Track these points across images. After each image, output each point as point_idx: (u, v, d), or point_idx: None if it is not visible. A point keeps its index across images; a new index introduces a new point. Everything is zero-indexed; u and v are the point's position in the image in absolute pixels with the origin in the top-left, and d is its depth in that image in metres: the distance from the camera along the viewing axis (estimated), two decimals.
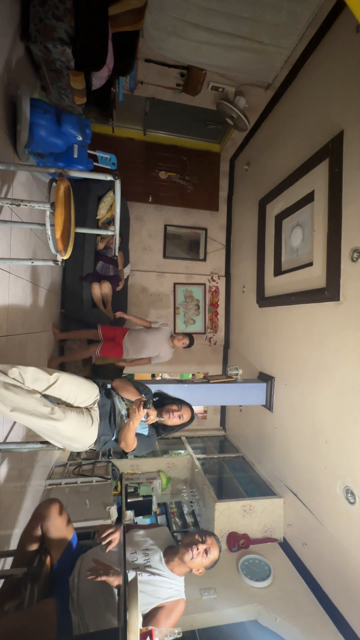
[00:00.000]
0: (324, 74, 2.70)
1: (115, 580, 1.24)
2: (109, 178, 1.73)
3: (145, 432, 1.72)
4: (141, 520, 3.33)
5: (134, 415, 1.51)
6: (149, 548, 1.55)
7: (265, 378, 3.48)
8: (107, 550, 1.42)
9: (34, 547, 1.43)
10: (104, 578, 1.23)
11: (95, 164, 2.61)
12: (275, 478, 3.28)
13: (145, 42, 2.93)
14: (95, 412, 1.62)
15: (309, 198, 2.83)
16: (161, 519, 3.45)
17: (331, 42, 2.62)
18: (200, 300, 4.85)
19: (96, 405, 1.65)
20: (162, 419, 1.74)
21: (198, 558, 1.47)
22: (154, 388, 1.98)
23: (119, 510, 3.10)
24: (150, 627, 1.22)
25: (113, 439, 1.67)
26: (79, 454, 3.71)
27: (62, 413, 1.47)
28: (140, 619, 1.07)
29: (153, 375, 5.10)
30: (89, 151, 2.40)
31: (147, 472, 3.91)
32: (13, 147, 2.04)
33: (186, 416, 1.79)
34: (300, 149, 3.01)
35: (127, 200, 4.28)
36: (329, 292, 2.42)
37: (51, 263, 1.95)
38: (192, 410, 1.83)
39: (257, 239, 3.87)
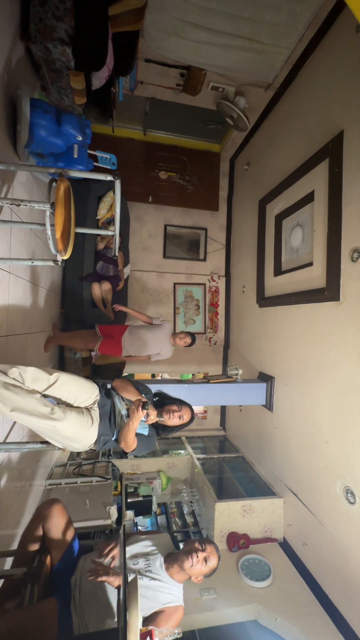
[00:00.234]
0: (324, 74, 2.70)
1: (115, 581, 1.24)
2: (109, 178, 1.73)
3: (146, 432, 1.72)
4: (141, 520, 3.33)
5: (133, 416, 1.52)
6: (150, 553, 1.56)
7: (265, 378, 3.48)
8: (112, 565, 1.41)
9: (35, 547, 1.43)
10: (103, 578, 1.23)
11: (95, 164, 2.61)
12: (275, 478, 3.29)
13: (145, 42, 2.93)
14: (95, 412, 1.62)
15: (309, 198, 2.83)
16: (161, 519, 3.45)
17: (331, 42, 2.62)
18: (200, 300, 4.85)
19: (96, 405, 1.65)
20: (163, 419, 1.74)
21: (197, 566, 1.49)
22: (154, 388, 1.98)
23: (119, 510, 3.10)
24: (150, 627, 1.22)
25: (113, 439, 1.67)
26: (79, 454, 3.71)
27: (62, 413, 1.47)
28: (141, 619, 1.08)
29: (153, 375, 5.10)
30: (89, 151, 2.40)
31: (147, 472, 3.91)
32: (13, 147, 2.04)
33: (186, 416, 1.79)
34: (300, 149, 3.01)
35: (127, 200, 4.28)
36: (329, 292, 2.42)
37: (51, 263, 1.95)
38: (192, 410, 1.83)
39: (257, 239, 3.87)
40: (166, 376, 5.04)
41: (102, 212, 3.70)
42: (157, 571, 1.49)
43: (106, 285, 3.73)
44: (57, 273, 3.58)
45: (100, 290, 3.71)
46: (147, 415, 1.64)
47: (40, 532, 1.44)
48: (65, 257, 1.77)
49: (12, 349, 2.14)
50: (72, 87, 2.30)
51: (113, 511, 2.83)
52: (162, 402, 1.85)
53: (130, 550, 1.55)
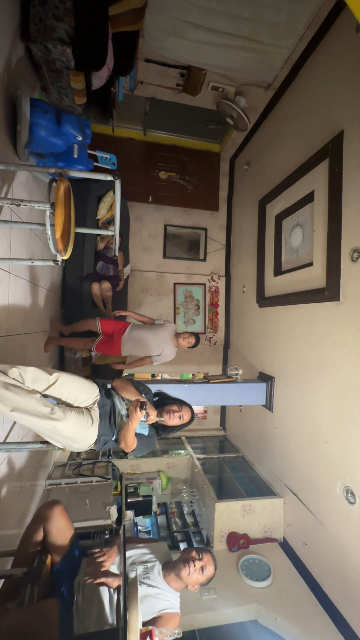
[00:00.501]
0: (324, 74, 2.70)
1: (114, 582, 1.24)
2: (109, 178, 1.73)
3: (145, 432, 1.72)
4: (141, 520, 3.33)
5: (132, 417, 1.52)
6: (148, 561, 1.58)
7: (265, 378, 3.48)
8: (106, 565, 1.42)
9: (35, 548, 1.43)
10: (102, 579, 1.23)
11: (95, 164, 2.61)
12: (275, 478, 3.29)
13: (145, 42, 2.93)
14: (95, 412, 1.62)
15: (309, 198, 2.83)
16: (161, 519, 3.45)
17: (331, 42, 2.62)
18: (200, 300, 4.85)
19: (96, 405, 1.65)
20: (163, 419, 1.75)
21: (194, 574, 1.52)
22: (154, 388, 1.98)
23: (119, 510, 3.10)
24: (150, 627, 1.22)
25: (113, 439, 1.67)
26: (79, 454, 3.71)
27: (62, 413, 1.47)
28: (141, 619, 1.08)
29: (153, 375, 5.10)
30: (89, 151, 2.39)
31: (147, 472, 3.91)
32: (13, 147, 2.04)
33: (186, 417, 1.79)
34: (300, 149, 3.01)
35: (127, 200, 4.28)
36: (329, 292, 2.42)
37: (51, 263, 1.95)
38: (192, 410, 1.83)
39: (257, 239, 3.87)
40: (166, 376, 5.04)
41: (102, 212, 3.70)
42: (155, 578, 1.51)
43: (106, 285, 3.72)
44: (57, 273, 3.58)
45: (100, 290, 3.70)
46: (147, 415, 1.64)
47: (40, 533, 1.44)
48: (65, 257, 1.77)
49: (12, 349, 2.14)
50: (72, 87, 2.30)
51: (113, 511, 2.83)
52: (162, 402, 1.85)
53: (128, 555, 1.56)
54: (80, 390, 1.61)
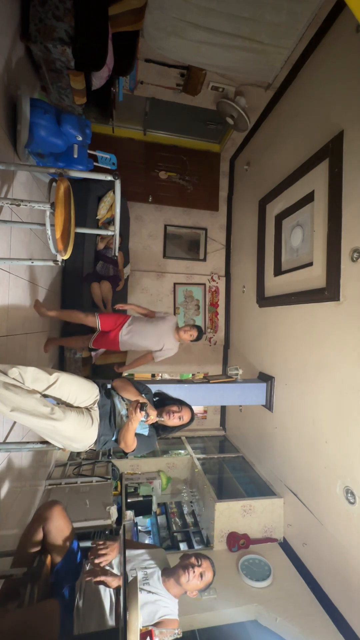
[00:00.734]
0: (324, 74, 2.70)
1: (113, 582, 1.24)
2: (109, 178, 1.73)
3: (145, 432, 1.72)
4: (141, 520, 3.34)
5: (131, 417, 1.52)
6: (147, 567, 1.58)
7: (265, 378, 3.48)
8: (102, 566, 1.42)
9: (35, 548, 1.43)
10: (102, 578, 1.23)
11: (95, 164, 2.61)
12: (275, 478, 3.28)
13: (145, 42, 2.92)
14: (95, 412, 1.62)
15: (309, 198, 2.83)
16: (161, 519, 3.46)
17: (331, 42, 2.62)
18: (200, 300, 4.85)
19: (96, 405, 1.65)
20: (162, 420, 1.75)
21: (194, 580, 1.53)
22: (154, 388, 1.98)
23: (119, 510, 3.10)
24: (150, 627, 1.22)
25: (113, 439, 1.67)
26: (79, 454, 3.71)
27: (62, 413, 1.47)
28: (141, 619, 1.08)
29: (153, 375, 5.10)
30: (89, 151, 2.40)
31: (147, 472, 3.91)
32: (13, 147, 2.04)
33: (186, 417, 1.79)
34: (300, 149, 3.01)
35: (127, 200, 4.28)
36: (329, 292, 2.42)
37: (51, 263, 1.95)
38: (192, 411, 1.83)
39: (257, 239, 3.87)
40: (166, 376, 5.04)
41: (102, 212, 3.70)
42: (155, 584, 1.51)
43: (106, 285, 3.72)
44: (57, 273, 3.58)
45: (100, 290, 3.70)
46: (147, 415, 1.64)
47: (40, 533, 1.44)
48: (65, 257, 1.77)
49: (12, 349, 2.14)
50: (72, 87, 2.30)
51: (113, 511, 2.83)
52: (162, 403, 1.85)
53: (128, 557, 1.56)
54: (80, 390, 1.61)
